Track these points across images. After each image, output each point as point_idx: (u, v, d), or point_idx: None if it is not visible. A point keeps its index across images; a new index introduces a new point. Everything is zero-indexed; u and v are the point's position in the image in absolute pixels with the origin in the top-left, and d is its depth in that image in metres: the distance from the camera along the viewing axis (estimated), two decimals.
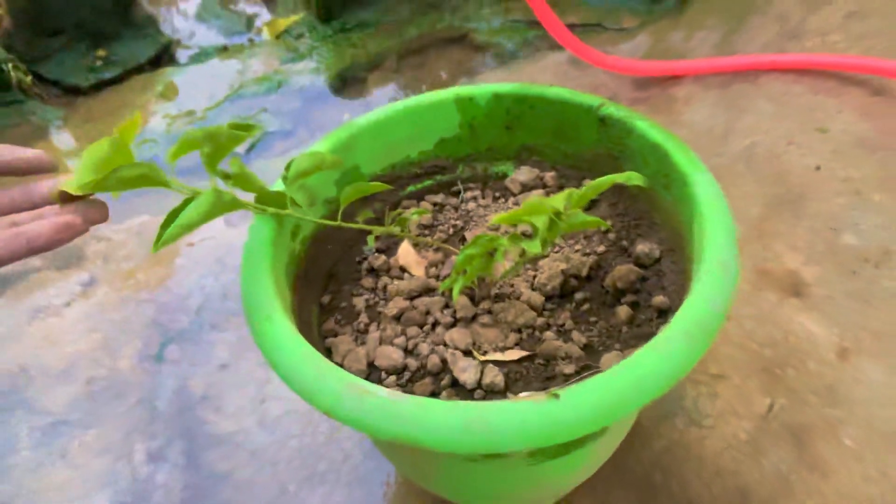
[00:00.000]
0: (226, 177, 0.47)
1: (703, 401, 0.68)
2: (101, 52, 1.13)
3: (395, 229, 0.51)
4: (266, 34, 1.21)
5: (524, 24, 1.14)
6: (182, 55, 1.19)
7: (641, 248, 0.54)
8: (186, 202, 0.44)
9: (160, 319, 0.81)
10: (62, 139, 1.08)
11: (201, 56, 1.17)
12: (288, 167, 0.49)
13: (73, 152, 1.01)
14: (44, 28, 1.11)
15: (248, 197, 0.48)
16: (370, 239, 0.50)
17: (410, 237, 0.57)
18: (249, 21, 1.25)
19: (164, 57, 1.16)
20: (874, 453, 0.63)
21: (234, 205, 0.45)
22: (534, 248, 0.45)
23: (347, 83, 1.09)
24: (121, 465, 0.69)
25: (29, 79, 1.09)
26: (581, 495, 0.63)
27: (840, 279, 0.76)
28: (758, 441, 0.65)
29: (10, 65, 1.08)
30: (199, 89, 1.11)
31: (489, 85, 0.60)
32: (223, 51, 1.18)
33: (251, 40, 1.21)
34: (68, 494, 0.68)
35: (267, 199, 0.49)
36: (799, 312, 0.74)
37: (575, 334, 0.50)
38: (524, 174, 0.62)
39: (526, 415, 0.39)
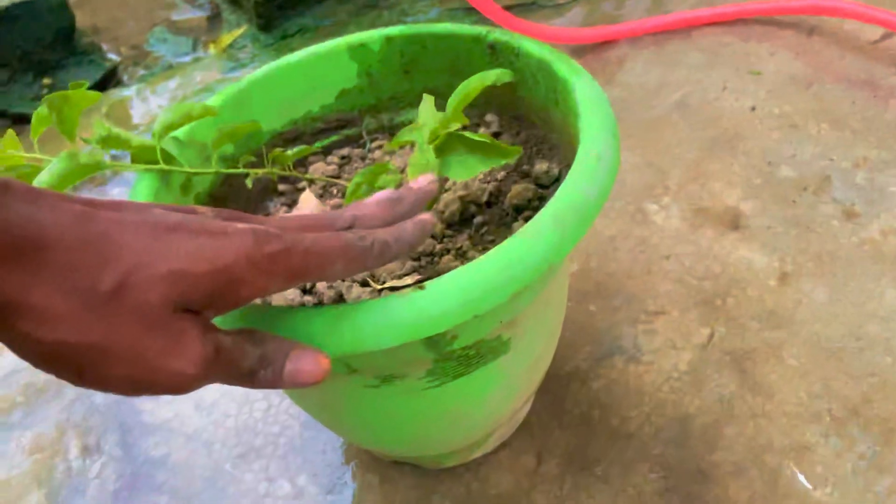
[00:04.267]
0: (97, 141, 0.46)
1: (641, 338, 0.66)
2: (46, 81, 1.15)
3: (275, 171, 0.50)
4: (212, 51, 1.23)
5: (461, 12, 1.15)
6: (128, 78, 1.21)
7: (539, 167, 0.53)
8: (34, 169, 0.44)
9: None
10: None
11: (147, 77, 1.18)
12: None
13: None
14: None
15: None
16: (248, 181, 0.49)
17: (316, 180, 0.57)
18: (195, 42, 1.27)
19: (110, 81, 1.18)
20: (819, 369, 0.61)
21: (95, 166, 0.45)
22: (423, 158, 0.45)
23: None
24: (57, 460, 0.67)
25: None
26: (518, 438, 0.60)
27: (779, 209, 0.75)
28: (698, 371, 0.63)
29: None
30: (143, 105, 1.12)
31: (379, 29, 0.60)
32: (168, 69, 1.20)
33: (197, 58, 1.23)
34: (4, 494, 0.66)
35: (138, 156, 0.48)
36: (738, 244, 0.72)
37: (471, 254, 0.49)
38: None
39: (392, 309, 0.37)
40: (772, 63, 0.92)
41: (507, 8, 1.12)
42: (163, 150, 0.48)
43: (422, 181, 0.43)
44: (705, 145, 0.83)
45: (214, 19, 1.32)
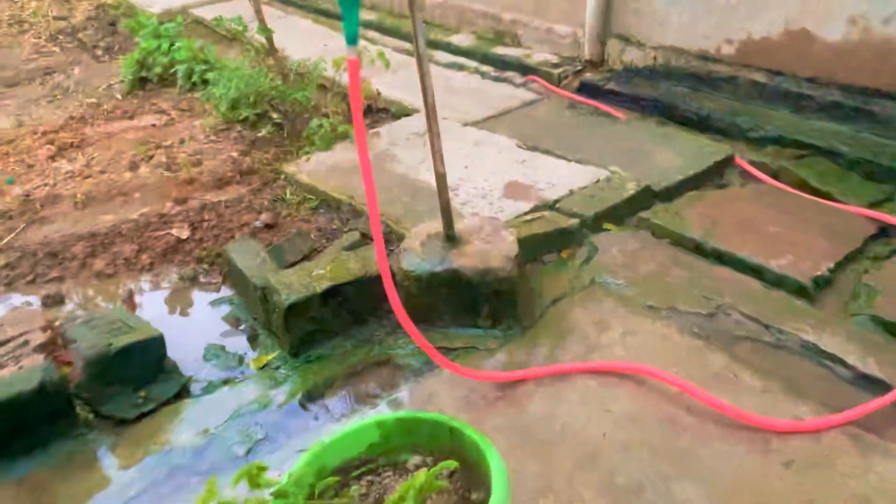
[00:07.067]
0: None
1: None
2: (142, 393, 1.67)
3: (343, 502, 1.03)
4: (253, 367, 1.78)
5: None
6: (195, 387, 1.74)
7: (475, 495, 1.07)
8: None
9: None
10: (111, 462, 1.56)
11: (209, 388, 1.72)
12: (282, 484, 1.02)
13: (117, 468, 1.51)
14: (106, 381, 1.65)
15: None
16: None
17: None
18: (241, 358, 1.83)
19: (183, 391, 1.70)
20: None
21: None
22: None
23: (311, 399, 1.66)
24: None
25: (91, 416, 1.61)
26: None
27: None
28: None
29: (78, 407, 1.60)
30: (210, 416, 1.64)
31: (393, 413, 1.16)
32: (224, 383, 1.74)
33: (242, 372, 1.78)
34: None
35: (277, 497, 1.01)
36: None
37: None
38: (416, 460, 1.15)
39: None
40: (619, 403, 1.52)
41: (453, 349, 1.73)
42: None
43: None
44: (576, 462, 1.39)
45: (254, 340, 1.90)
